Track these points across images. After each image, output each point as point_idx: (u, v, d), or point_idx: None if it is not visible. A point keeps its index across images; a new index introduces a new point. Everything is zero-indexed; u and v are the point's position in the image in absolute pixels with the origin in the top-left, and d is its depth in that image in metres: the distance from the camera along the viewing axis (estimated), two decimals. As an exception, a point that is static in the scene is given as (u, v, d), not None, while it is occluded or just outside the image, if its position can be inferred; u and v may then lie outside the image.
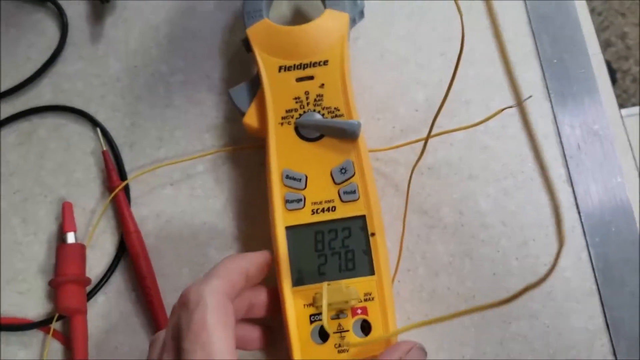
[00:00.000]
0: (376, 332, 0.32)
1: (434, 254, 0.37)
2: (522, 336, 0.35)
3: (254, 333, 0.34)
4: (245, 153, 0.40)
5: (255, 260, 0.32)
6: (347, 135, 0.35)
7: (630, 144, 0.40)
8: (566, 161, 0.38)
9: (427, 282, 0.37)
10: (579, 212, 0.37)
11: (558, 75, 0.40)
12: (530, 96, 0.39)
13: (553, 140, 0.39)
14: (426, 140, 0.35)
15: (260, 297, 0.34)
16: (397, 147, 0.38)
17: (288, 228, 0.34)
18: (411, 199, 0.38)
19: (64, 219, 0.39)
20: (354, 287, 0.32)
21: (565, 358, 0.35)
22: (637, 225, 0.37)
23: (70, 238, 0.38)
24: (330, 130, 0.35)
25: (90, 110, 0.42)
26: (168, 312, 0.37)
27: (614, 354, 0.35)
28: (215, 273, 0.29)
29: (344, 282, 0.29)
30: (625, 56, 1.42)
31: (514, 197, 0.38)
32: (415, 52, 0.41)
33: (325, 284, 0.29)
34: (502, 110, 0.35)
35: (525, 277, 0.36)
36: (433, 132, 0.34)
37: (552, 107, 0.39)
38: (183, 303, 0.28)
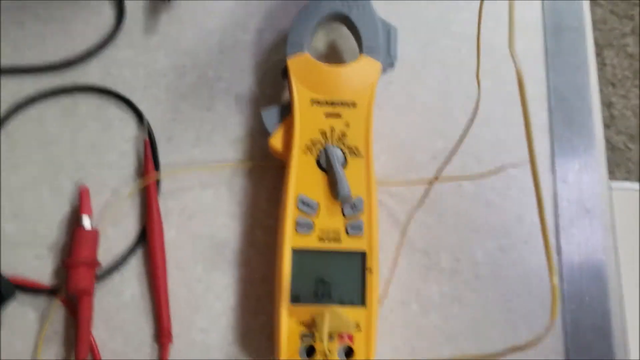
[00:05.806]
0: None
1: (427, 293, 0.41)
2: (493, 381, 0.39)
3: None
4: (272, 169, 0.43)
5: None
6: (335, 195, 0.38)
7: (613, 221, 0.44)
8: (558, 233, 0.42)
9: (418, 318, 0.40)
10: (562, 280, 0.41)
11: (564, 151, 0.44)
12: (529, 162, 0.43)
13: (550, 211, 0.43)
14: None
15: None
16: (407, 184, 0.42)
17: (295, 250, 0.37)
18: (415, 239, 0.42)
19: (82, 203, 0.41)
20: (351, 317, 0.35)
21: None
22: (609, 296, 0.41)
23: (86, 220, 0.40)
24: (333, 175, 0.38)
25: (133, 98, 0.44)
26: (172, 304, 0.40)
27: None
28: None
29: (342, 310, 0.33)
30: (607, 125, 1.50)
31: (507, 254, 0.42)
32: (443, 103, 0.45)
33: (327, 311, 0.32)
34: (504, 168, 0.39)
35: (505, 332, 0.40)
36: (444, 178, 0.38)
37: (554, 180, 0.43)
38: None
